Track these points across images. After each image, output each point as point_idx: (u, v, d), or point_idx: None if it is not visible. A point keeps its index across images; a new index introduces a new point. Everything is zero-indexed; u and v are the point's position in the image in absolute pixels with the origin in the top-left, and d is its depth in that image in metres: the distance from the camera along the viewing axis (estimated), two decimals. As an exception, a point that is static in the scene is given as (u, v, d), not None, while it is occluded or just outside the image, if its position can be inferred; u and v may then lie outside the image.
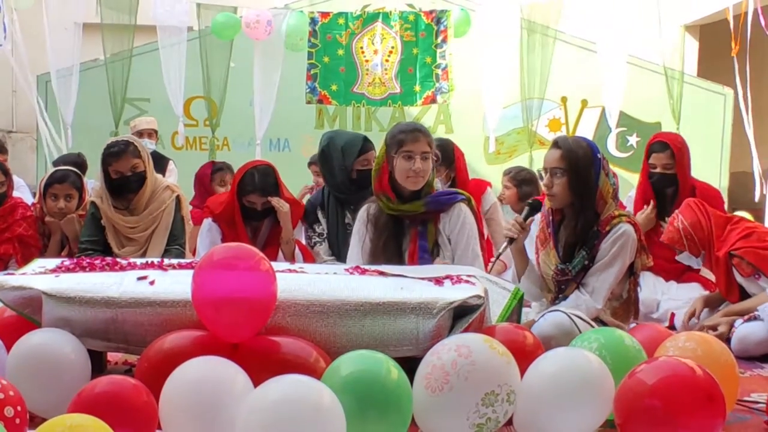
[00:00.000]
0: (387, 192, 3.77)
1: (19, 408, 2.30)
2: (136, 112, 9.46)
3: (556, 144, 3.64)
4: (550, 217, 3.71)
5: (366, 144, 4.60)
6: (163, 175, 6.54)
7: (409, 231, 3.77)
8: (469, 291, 3.01)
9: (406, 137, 3.70)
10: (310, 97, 8.93)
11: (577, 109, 10.19)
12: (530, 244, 3.81)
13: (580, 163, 3.54)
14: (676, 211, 4.47)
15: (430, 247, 3.72)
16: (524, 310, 3.58)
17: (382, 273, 3.31)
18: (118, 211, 4.51)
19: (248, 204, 4.58)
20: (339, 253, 4.54)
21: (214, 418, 2.35)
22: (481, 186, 5.56)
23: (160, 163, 6.84)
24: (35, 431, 2.09)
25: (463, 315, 2.96)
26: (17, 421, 2.27)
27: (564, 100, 10.14)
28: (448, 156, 5.32)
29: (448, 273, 3.22)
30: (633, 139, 9.97)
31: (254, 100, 9.12)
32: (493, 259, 3.93)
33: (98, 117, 9.08)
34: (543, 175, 3.64)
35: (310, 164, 5.79)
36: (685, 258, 4.54)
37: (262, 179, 4.59)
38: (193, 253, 4.87)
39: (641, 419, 2.48)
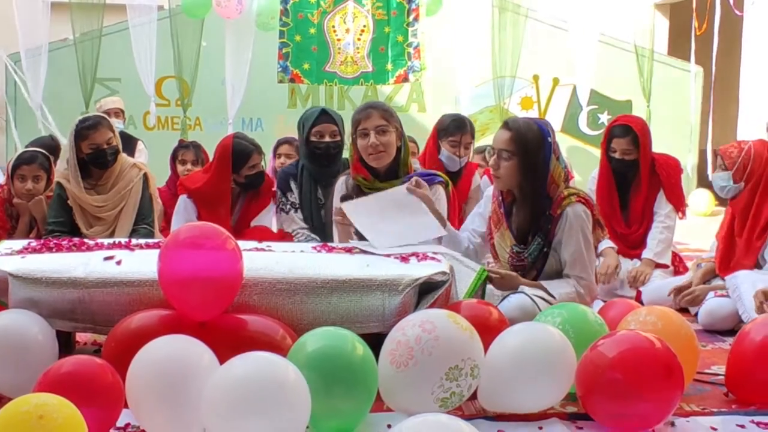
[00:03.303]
0: (361, 172, 3.81)
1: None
2: (106, 92, 9.39)
3: (506, 125, 3.56)
4: (500, 198, 3.68)
5: (322, 116, 4.55)
6: (132, 155, 6.51)
7: None
8: (434, 268, 3.04)
9: (360, 115, 3.78)
10: (282, 76, 8.90)
11: (549, 88, 10.25)
12: (483, 224, 3.82)
13: (530, 147, 3.46)
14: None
15: None
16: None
17: (348, 250, 3.34)
18: (86, 190, 4.49)
19: (249, 173, 4.56)
20: (312, 227, 4.56)
21: (180, 396, 2.36)
22: (471, 168, 5.61)
23: (129, 143, 6.80)
24: (0, 410, 2.10)
25: (428, 291, 3.00)
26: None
27: (536, 78, 10.20)
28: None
29: (415, 250, 3.25)
30: (604, 117, 10.06)
31: (226, 80, 9.09)
32: None
33: (68, 97, 9.01)
34: (488, 154, 3.63)
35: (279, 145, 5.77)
36: (717, 179, 4.29)
37: (248, 140, 4.65)
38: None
39: (601, 391, 2.54)
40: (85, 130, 4.44)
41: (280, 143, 5.67)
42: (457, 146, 5.32)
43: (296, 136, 5.00)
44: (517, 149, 3.47)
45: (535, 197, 3.51)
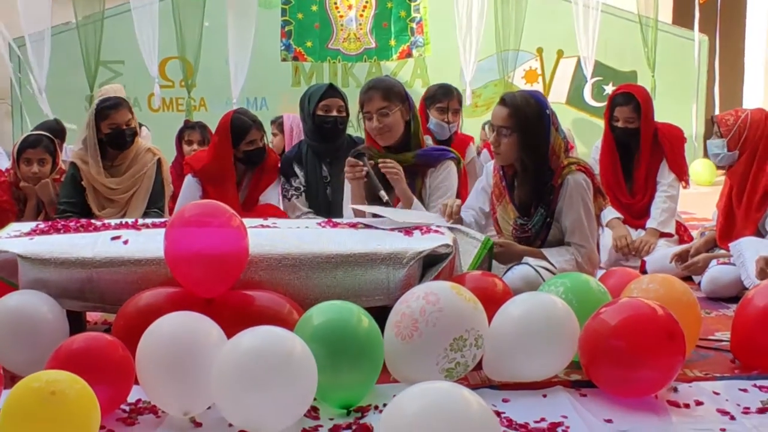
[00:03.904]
0: (375, 145, 3.88)
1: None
2: (110, 74, 9.42)
3: (503, 101, 3.54)
4: (502, 172, 3.68)
5: (330, 91, 4.56)
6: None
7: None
8: (438, 240, 3.07)
9: (362, 98, 3.86)
10: (285, 54, 8.91)
11: (553, 60, 10.22)
12: (486, 199, 3.83)
13: (529, 122, 3.45)
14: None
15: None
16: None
17: (353, 225, 3.37)
18: (105, 170, 4.53)
19: (247, 148, 4.58)
20: (318, 206, 4.57)
21: (189, 371, 2.39)
22: (465, 140, 5.60)
23: (133, 128, 6.82)
24: (12, 388, 2.14)
25: (432, 264, 3.03)
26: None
27: (540, 51, 10.17)
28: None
29: (418, 224, 3.28)
30: (609, 89, 10.02)
31: (229, 59, 9.09)
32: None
33: (72, 81, 9.04)
34: (488, 130, 3.65)
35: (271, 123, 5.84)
36: (711, 146, 4.27)
37: (248, 115, 4.66)
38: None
39: (605, 359, 2.57)
40: (106, 109, 4.48)
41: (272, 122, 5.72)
42: (444, 112, 5.31)
43: (290, 115, 5.02)
44: (516, 125, 3.46)
45: (537, 170, 3.52)
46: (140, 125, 7.17)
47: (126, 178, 4.57)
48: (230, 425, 2.36)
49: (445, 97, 5.35)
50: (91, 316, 3.55)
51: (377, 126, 3.79)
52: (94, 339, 2.54)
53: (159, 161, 4.68)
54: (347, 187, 3.96)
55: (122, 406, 2.54)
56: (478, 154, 6.04)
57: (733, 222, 4.28)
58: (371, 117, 3.82)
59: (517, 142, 3.48)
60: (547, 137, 3.48)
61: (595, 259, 3.63)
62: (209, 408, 2.46)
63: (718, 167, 4.42)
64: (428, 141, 4.15)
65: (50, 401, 2.07)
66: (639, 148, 4.82)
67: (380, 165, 3.67)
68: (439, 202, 3.74)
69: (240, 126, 4.55)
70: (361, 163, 3.75)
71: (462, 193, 4.04)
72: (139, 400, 2.57)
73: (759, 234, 4.16)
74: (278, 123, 6.29)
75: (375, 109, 3.78)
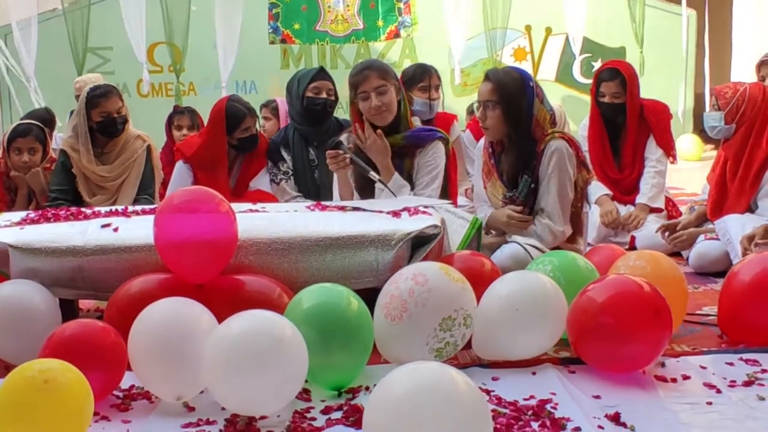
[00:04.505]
0: (360, 126, 3.82)
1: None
2: (99, 61, 9.39)
3: (487, 77, 3.64)
4: (491, 149, 3.76)
5: (320, 74, 4.61)
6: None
7: None
8: (426, 221, 3.09)
9: (357, 78, 3.81)
10: (273, 37, 8.90)
11: (542, 38, 10.21)
12: (477, 176, 3.87)
13: (512, 94, 3.55)
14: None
15: (405, 180, 3.78)
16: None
17: (341, 208, 3.39)
18: (95, 158, 4.54)
19: (242, 136, 4.59)
20: (307, 190, 4.59)
21: (181, 356, 2.41)
22: (448, 119, 5.60)
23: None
24: (6, 377, 2.16)
25: (421, 245, 3.04)
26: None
27: (528, 28, 10.15)
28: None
29: (406, 205, 3.30)
30: (598, 65, 10.00)
31: (217, 43, 9.07)
32: None
33: (61, 68, 9.01)
34: (476, 108, 3.69)
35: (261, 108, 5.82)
36: (708, 118, 4.27)
37: (242, 103, 4.68)
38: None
39: (592, 336, 2.60)
40: (96, 98, 4.49)
41: (263, 105, 5.68)
42: (427, 90, 5.29)
43: (284, 99, 5.02)
44: (499, 98, 3.56)
45: (521, 141, 3.59)
46: None
47: (116, 165, 4.58)
48: (223, 409, 2.39)
49: (424, 75, 5.33)
50: (84, 303, 3.57)
51: (376, 105, 3.75)
52: (86, 325, 2.56)
53: (149, 148, 4.70)
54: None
55: (116, 393, 2.56)
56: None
57: (725, 196, 4.29)
58: (367, 96, 3.76)
59: (501, 113, 3.56)
60: (531, 108, 3.56)
61: (560, 239, 3.64)
62: (202, 392, 2.48)
63: (714, 140, 4.43)
64: (416, 122, 4.16)
65: (43, 390, 2.08)
66: (625, 123, 4.85)
67: (361, 144, 3.65)
68: (426, 179, 3.78)
69: (235, 114, 4.58)
70: (341, 152, 3.73)
71: (451, 174, 4.07)
72: (132, 386, 2.60)
73: (750, 209, 4.18)
74: (272, 107, 6.27)
75: (373, 87, 3.75)
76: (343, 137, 3.91)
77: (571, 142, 3.62)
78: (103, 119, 4.49)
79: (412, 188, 3.79)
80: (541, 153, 3.57)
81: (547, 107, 3.61)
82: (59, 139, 5.47)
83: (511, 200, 3.67)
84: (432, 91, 5.31)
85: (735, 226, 3.92)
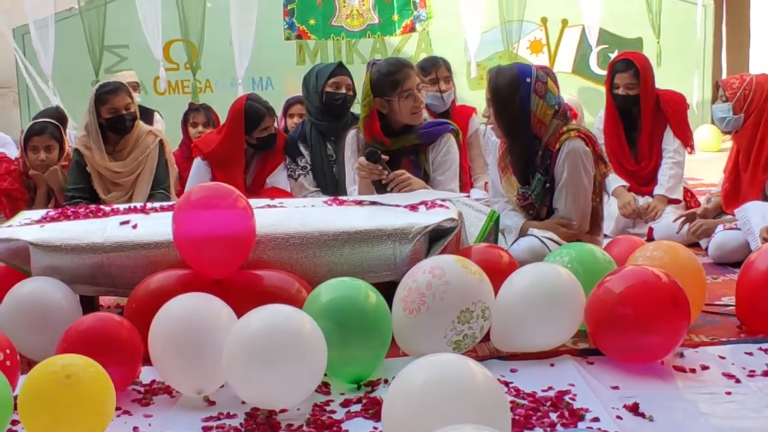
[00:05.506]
0: (379, 137, 3.77)
1: (8, 351, 2.42)
2: (115, 59, 9.43)
3: (488, 75, 3.65)
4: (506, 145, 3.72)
5: (340, 68, 4.67)
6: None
7: (401, 160, 3.79)
8: (443, 215, 3.10)
9: (401, 76, 3.72)
10: (288, 33, 8.90)
11: (558, 30, 10.16)
12: (493, 170, 3.86)
13: (501, 92, 3.52)
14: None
15: (422, 175, 3.78)
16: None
17: (359, 203, 3.40)
18: (107, 155, 4.57)
19: (261, 135, 4.63)
20: (325, 185, 4.61)
21: (201, 351, 2.44)
22: (467, 112, 5.60)
23: (146, 115, 6.82)
24: (29, 373, 2.19)
25: (438, 238, 3.05)
26: (8, 363, 2.38)
27: (544, 20, 10.10)
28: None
29: (423, 199, 3.31)
30: (614, 56, 9.95)
31: (233, 40, 9.08)
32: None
33: (78, 67, 9.05)
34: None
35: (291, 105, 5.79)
36: (717, 110, 4.28)
37: (261, 102, 4.71)
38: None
39: (610, 327, 2.60)
40: (104, 94, 4.51)
41: (291, 103, 5.61)
42: (436, 83, 5.27)
43: None
44: (492, 97, 3.56)
45: (520, 138, 3.57)
46: (153, 112, 7.19)
47: (129, 161, 4.61)
48: (243, 402, 2.41)
49: (432, 67, 5.31)
50: (104, 300, 3.60)
51: (418, 104, 3.74)
52: (102, 318, 2.63)
53: (161, 142, 4.72)
54: (348, 167, 3.96)
55: (137, 387, 2.59)
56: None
57: (739, 185, 4.29)
58: (411, 94, 3.71)
59: (494, 112, 3.57)
60: (526, 105, 3.51)
61: (572, 226, 3.58)
62: (222, 386, 2.50)
63: (725, 132, 4.44)
64: (425, 115, 4.13)
65: (66, 385, 2.11)
66: (640, 114, 4.83)
67: (393, 182, 3.61)
68: (447, 175, 3.78)
69: (254, 114, 4.61)
70: (379, 167, 3.62)
71: (463, 164, 4.07)
72: (153, 381, 2.63)
73: (765, 197, 4.16)
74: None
75: (416, 84, 3.74)
76: (352, 134, 3.89)
77: (588, 138, 3.57)
78: (111, 116, 4.50)
79: (432, 184, 3.78)
80: (556, 152, 3.53)
81: (549, 102, 3.53)
82: (73, 137, 5.51)
83: (524, 196, 3.64)
84: (441, 83, 5.28)
85: (756, 216, 3.89)
